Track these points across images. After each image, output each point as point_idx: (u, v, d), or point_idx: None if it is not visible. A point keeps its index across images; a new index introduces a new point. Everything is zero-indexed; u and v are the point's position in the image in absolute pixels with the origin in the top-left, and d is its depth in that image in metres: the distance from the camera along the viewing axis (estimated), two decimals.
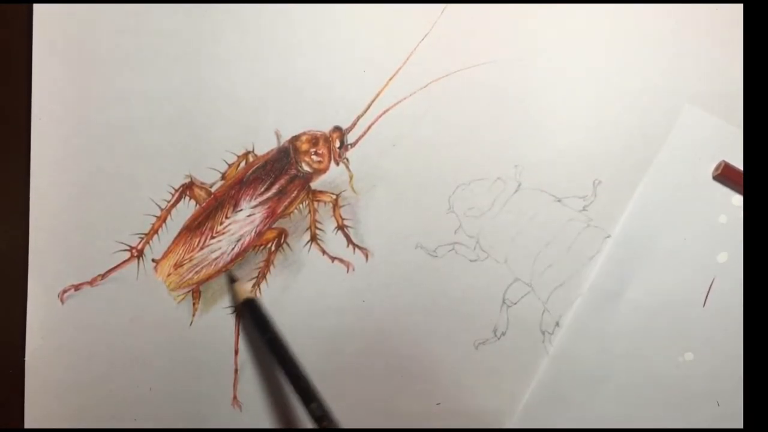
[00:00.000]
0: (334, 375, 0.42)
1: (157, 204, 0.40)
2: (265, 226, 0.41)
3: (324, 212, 0.41)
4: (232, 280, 0.40)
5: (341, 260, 0.41)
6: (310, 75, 0.40)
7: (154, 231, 0.40)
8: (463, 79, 0.40)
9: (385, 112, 0.40)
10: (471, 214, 0.41)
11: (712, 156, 0.41)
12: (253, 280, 0.41)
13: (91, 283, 0.40)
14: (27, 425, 0.40)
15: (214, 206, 0.41)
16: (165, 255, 0.40)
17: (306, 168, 0.41)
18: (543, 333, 0.42)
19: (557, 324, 0.42)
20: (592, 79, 0.41)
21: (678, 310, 0.42)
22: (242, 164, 0.40)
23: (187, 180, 0.40)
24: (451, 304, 0.42)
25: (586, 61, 0.41)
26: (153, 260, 0.40)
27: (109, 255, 0.40)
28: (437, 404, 0.42)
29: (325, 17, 0.40)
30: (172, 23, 0.39)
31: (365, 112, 0.40)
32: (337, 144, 0.40)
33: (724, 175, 0.41)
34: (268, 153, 0.40)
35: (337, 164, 0.41)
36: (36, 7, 0.38)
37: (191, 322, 0.41)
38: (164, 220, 0.40)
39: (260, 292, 0.41)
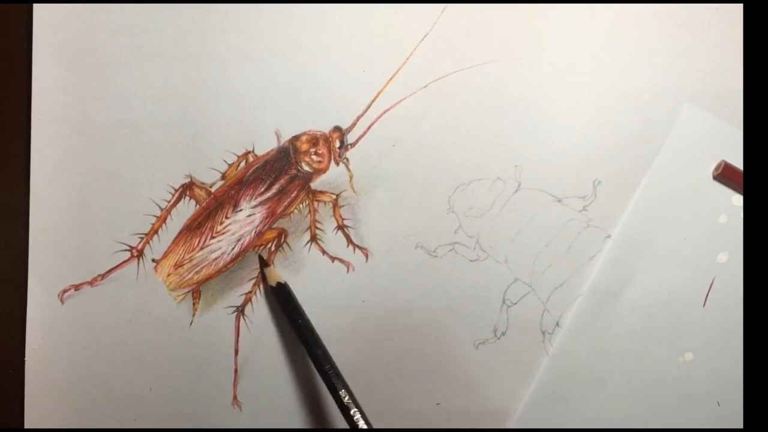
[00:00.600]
0: None
1: (157, 204, 0.40)
2: (265, 226, 0.41)
3: (324, 212, 0.41)
4: (265, 264, 0.40)
5: (341, 260, 0.41)
6: (310, 75, 0.40)
7: (154, 231, 0.40)
8: (464, 79, 0.40)
9: (385, 112, 0.40)
10: (471, 214, 0.41)
11: (712, 156, 0.41)
12: (253, 280, 0.41)
13: (91, 283, 0.40)
14: (27, 425, 0.40)
15: (214, 206, 0.41)
16: (165, 255, 0.40)
17: (306, 168, 0.41)
18: (543, 333, 0.42)
19: (557, 324, 0.42)
20: (592, 79, 0.41)
21: (678, 310, 0.42)
22: (242, 164, 0.40)
23: (187, 180, 0.40)
24: (451, 304, 0.42)
25: (586, 61, 0.41)
26: (153, 260, 0.40)
27: (109, 255, 0.40)
28: (437, 404, 0.42)
29: (325, 17, 0.40)
30: (172, 23, 0.39)
31: (365, 112, 0.40)
32: (337, 144, 0.40)
33: (724, 174, 0.41)
34: (268, 153, 0.40)
35: (337, 164, 0.41)
36: (36, 7, 0.38)
37: (191, 322, 0.41)
38: (164, 220, 0.40)
39: (260, 292, 0.41)
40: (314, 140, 0.40)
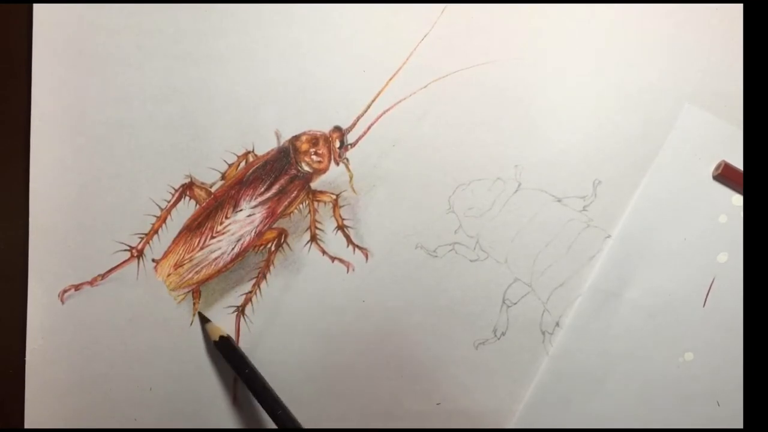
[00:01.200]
0: (334, 375, 0.42)
1: (157, 204, 0.40)
2: (265, 226, 0.41)
3: (324, 212, 0.41)
4: (204, 321, 0.40)
5: (341, 260, 0.41)
6: (310, 75, 0.40)
7: (154, 231, 0.40)
8: (463, 79, 0.40)
9: (385, 112, 0.40)
10: (471, 214, 0.41)
11: (712, 156, 0.41)
12: (253, 280, 0.41)
13: (91, 283, 0.40)
14: (27, 425, 0.40)
15: (214, 206, 0.41)
16: (165, 255, 0.40)
17: (306, 168, 0.41)
18: (543, 333, 0.42)
19: (557, 324, 0.42)
20: (592, 79, 0.41)
21: (678, 310, 0.42)
22: (242, 164, 0.40)
23: (187, 180, 0.40)
24: (451, 304, 0.42)
25: (586, 61, 0.41)
26: (153, 260, 0.40)
27: (109, 255, 0.40)
28: (437, 404, 0.42)
29: (324, 17, 0.40)
30: (172, 23, 0.39)
31: (365, 112, 0.40)
32: (337, 144, 0.40)
33: (724, 175, 0.41)
34: (268, 153, 0.40)
35: (337, 164, 0.41)
36: (36, 7, 0.38)
37: (191, 322, 0.41)
38: (164, 220, 0.40)
39: (260, 292, 0.41)
40: (314, 140, 0.40)
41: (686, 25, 0.41)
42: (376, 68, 0.40)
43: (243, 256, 0.41)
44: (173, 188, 0.40)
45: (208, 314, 0.41)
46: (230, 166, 0.40)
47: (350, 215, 0.41)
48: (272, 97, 0.40)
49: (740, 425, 0.43)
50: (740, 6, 0.41)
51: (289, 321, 0.41)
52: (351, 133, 0.40)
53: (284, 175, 0.41)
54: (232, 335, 0.41)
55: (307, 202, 0.41)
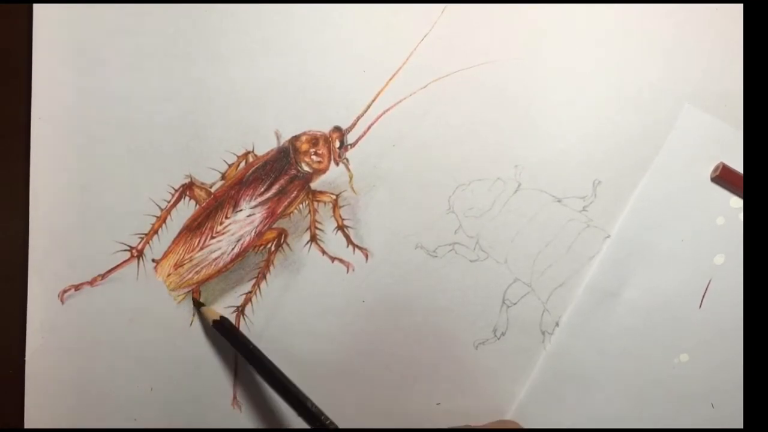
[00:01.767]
0: (334, 375, 0.42)
1: (157, 204, 0.40)
2: (265, 226, 0.41)
3: (324, 212, 0.41)
4: (199, 305, 0.40)
5: (341, 260, 0.41)
6: (310, 75, 0.40)
7: (154, 231, 0.40)
8: (463, 79, 0.40)
9: (385, 112, 0.40)
10: (471, 214, 0.41)
11: (711, 158, 0.41)
12: (253, 280, 0.41)
13: (91, 283, 0.40)
14: (27, 425, 0.40)
15: (214, 206, 0.41)
16: (165, 255, 0.40)
17: (306, 168, 0.41)
18: (543, 333, 0.42)
19: (557, 324, 0.42)
20: (592, 79, 0.41)
21: (674, 312, 0.42)
22: (242, 164, 0.40)
23: (187, 180, 0.40)
24: (451, 304, 0.42)
25: (586, 61, 0.41)
26: (153, 260, 0.40)
27: (109, 255, 0.40)
28: (437, 404, 0.42)
29: (324, 17, 0.40)
30: (172, 23, 0.39)
31: (365, 112, 0.40)
32: (337, 144, 0.40)
33: (722, 177, 0.41)
34: (268, 153, 0.40)
35: (337, 164, 0.41)
36: (36, 7, 0.38)
37: (191, 322, 0.41)
38: (164, 220, 0.40)
39: (260, 292, 0.41)
40: (314, 140, 0.40)
41: (686, 25, 0.41)
42: (376, 68, 0.40)
43: (243, 256, 0.41)
44: (173, 188, 0.40)
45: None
46: (230, 166, 0.40)
47: (350, 215, 0.41)
48: (272, 97, 0.40)
49: (735, 426, 0.43)
50: (740, 6, 0.41)
51: (289, 321, 0.41)
52: (351, 133, 0.40)
53: (284, 175, 0.41)
54: None
55: (307, 202, 0.41)
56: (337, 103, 0.40)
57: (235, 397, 0.41)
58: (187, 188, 0.40)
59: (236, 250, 0.41)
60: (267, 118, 0.40)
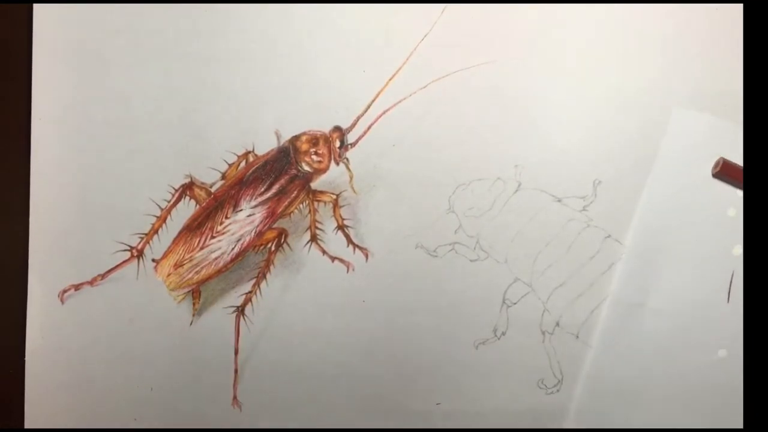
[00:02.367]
0: (334, 375, 0.42)
1: (157, 204, 0.40)
2: (265, 226, 0.41)
3: (324, 212, 0.41)
4: None
5: (341, 260, 0.41)
6: (310, 75, 0.40)
7: (154, 231, 0.40)
8: (463, 79, 0.40)
9: (385, 112, 0.40)
10: (471, 214, 0.41)
11: (710, 155, 0.41)
12: (253, 280, 0.41)
13: (91, 283, 0.40)
14: (27, 425, 0.40)
15: (214, 206, 0.41)
16: (165, 255, 0.40)
17: (306, 168, 0.41)
18: (543, 333, 0.42)
19: (557, 324, 0.42)
20: (592, 79, 0.41)
21: (703, 310, 0.42)
22: (242, 164, 0.40)
23: (187, 180, 0.40)
24: (451, 304, 0.42)
25: (586, 61, 0.41)
26: (153, 260, 0.40)
27: (109, 255, 0.40)
28: (437, 404, 0.42)
29: (324, 17, 0.40)
30: (172, 23, 0.39)
31: (365, 112, 0.40)
32: (337, 144, 0.40)
33: (723, 172, 0.41)
34: (268, 153, 0.40)
35: (337, 164, 0.41)
36: (36, 7, 0.38)
37: (191, 322, 0.41)
38: (164, 220, 0.40)
39: (260, 292, 0.41)
40: (314, 140, 0.40)
41: (686, 25, 0.41)
42: (376, 68, 0.40)
43: (243, 256, 0.41)
44: (173, 188, 0.40)
45: (208, 314, 0.41)
46: (230, 166, 0.40)
47: (350, 215, 0.41)
48: (272, 97, 0.40)
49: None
50: (740, 6, 0.41)
51: (289, 321, 0.41)
52: (351, 133, 0.40)
53: (284, 175, 0.41)
54: (232, 336, 0.41)
55: (307, 202, 0.41)
56: (337, 103, 0.40)
57: (235, 397, 0.41)
58: (187, 188, 0.40)
59: (236, 250, 0.41)
60: (267, 118, 0.40)
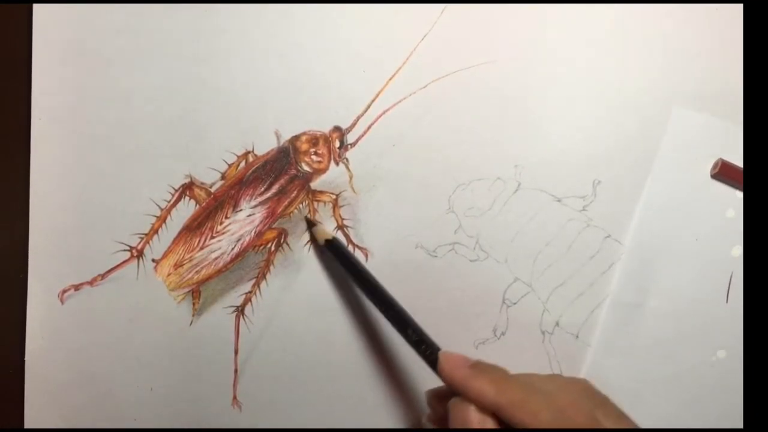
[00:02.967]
0: (334, 375, 0.42)
1: (157, 204, 0.40)
2: (265, 226, 0.41)
3: (324, 212, 0.41)
4: (311, 225, 0.40)
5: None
6: (310, 75, 0.40)
7: (154, 231, 0.40)
8: (463, 79, 0.40)
9: (385, 112, 0.40)
10: (471, 214, 0.41)
11: (709, 156, 0.41)
12: (253, 280, 0.41)
13: (91, 283, 0.40)
14: (27, 425, 0.40)
15: (214, 206, 0.41)
16: (165, 255, 0.40)
17: (306, 168, 0.41)
18: (543, 333, 0.42)
19: (557, 324, 0.42)
20: (592, 79, 0.41)
21: (702, 310, 0.42)
22: (242, 164, 0.40)
23: (187, 180, 0.40)
24: (451, 304, 0.42)
25: (586, 61, 0.41)
26: (153, 260, 0.40)
27: (109, 255, 0.40)
28: None
29: (324, 17, 0.40)
30: (172, 23, 0.39)
31: (365, 112, 0.40)
32: (337, 144, 0.40)
33: (722, 173, 0.41)
34: (268, 153, 0.40)
35: (337, 164, 0.41)
36: (36, 7, 0.38)
37: (191, 322, 0.41)
38: (164, 220, 0.40)
39: (260, 292, 0.41)
40: (314, 140, 0.40)
41: (686, 25, 0.41)
42: (376, 68, 0.40)
43: (243, 256, 0.41)
44: (173, 188, 0.40)
45: (207, 314, 0.41)
46: (230, 166, 0.40)
47: (350, 215, 0.41)
48: (272, 97, 0.40)
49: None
50: (740, 6, 0.41)
51: (288, 321, 0.41)
52: (351, 133, 0.40)
53: (284, 175, 0.41)
54: (232, 336, 0.41)
55: (307, 202, 0.41)
56: (337, 103, 0.40)
57: (235, 397, 0.41)
58: (187, 188, 0.40)
59: (236, 250, 0.41)
60: (267, 118, 0.40)
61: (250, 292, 0.41)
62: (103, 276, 0.40)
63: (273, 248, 0.41)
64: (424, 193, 0.41)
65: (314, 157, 0.40)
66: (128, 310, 0.40)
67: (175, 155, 0.40)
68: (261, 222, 0.41)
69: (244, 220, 0.41)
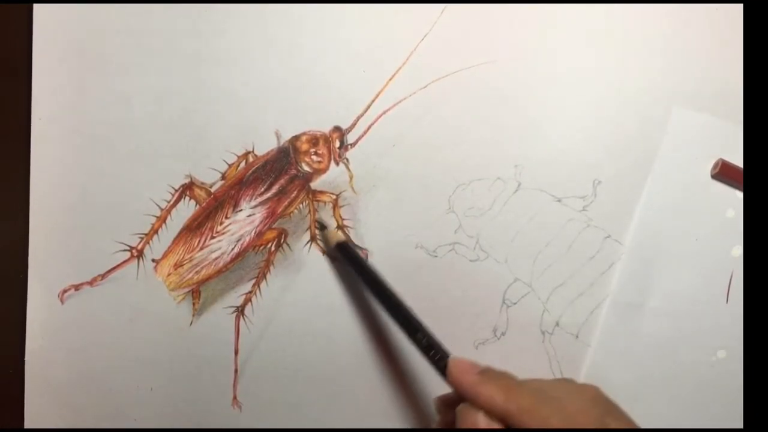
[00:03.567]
0: (334, 375, 0.42)
1: (157, 204, 0.40)
2: (265, 226, 0.41)
3: (324, 212, 0.41)
4: (322, 227, 0.40)
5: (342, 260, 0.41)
6: (310, 75, 0.40)
7: (154, 231, 0.40)
8: (463, 79, 0.40)
9: (385, 113, 0.40)
10: (471, 214, 0.41)
11: (709, 156, 0.41)
12: (253, 280, 0.41)
13: (91, 283, 0.40)
14: (27, 425, 0.40)
15: (214, 206, 0.41)
16: (165, 255, 0.40)
17: (306, 168, 0.41)
18: (543, 333, 0.42)
19: (557, 324, 0.42)
20: (592, 79, 0.41)
21: (702, 310, 0.42)
22: (242, 164, 0.40)
23: (187, 180, 0.40)
24: (451, 304, 0.42)
25: (586, 61, 0.41)
26: (153, 260, 0.40)
27: (109, 255, 0.40)
28: None
29: (325, 17, 0.40)
30: (172, 23, 0.39)
31: (365, 112, 0.40)
32: (337, 144, 0.40)
33: (722, 173, 0.41)
34: (268, 153, 0.40)
35: (337, 164, 0.41)
36: (36, 7, 0.38)
37: (191, 322, 0.41)
38: (164, 220, 0.40)
39: (260, 292, 0.41)
40: (314, 140, 0.40)
41: (686, 25, 0.41)
42: (376, 68, 0.40)
43: (243, 256, 0.41)
44: (173, 188, 0.40)
45: (207, 314, 0.41)
46: (230, 166, 0.40)
47: (350, 215, 0.41)
48: (272, 97, 0.40)
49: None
50: (740, 6, 0.41)
51: (288, 321, 0.41)
52: (351, 133, 0.40)
53: (284, 175, 0.41)
54: (231, 336, 0.41)
55: (307, 202, 0.41)
56: (337, 103, 0.40)
57: (235, 397, 0.41)
58: (187, 188, 0.40)
59: (236, 250, 0.41)
60: (267, 118, 0.40)
61: (250, 292, 0.41)
62: (103, 276, 0.40)
63: (273, 248, 0.41)
64: (424, 193, 0.41)
65: (314, 157, 0.40)
66: (128, 310, 0.40)
67: (175, 155, 0.40)
68: (261, 222, 0.41)
69: (244, 220, 0.41)
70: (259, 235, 0.41)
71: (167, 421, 0.41)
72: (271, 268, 0.41)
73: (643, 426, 0.33)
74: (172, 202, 0.40)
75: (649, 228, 0.41)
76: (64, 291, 0.40)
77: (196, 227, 0.41)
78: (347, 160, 0.41)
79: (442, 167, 0.41)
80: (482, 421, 0.30)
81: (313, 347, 0.41)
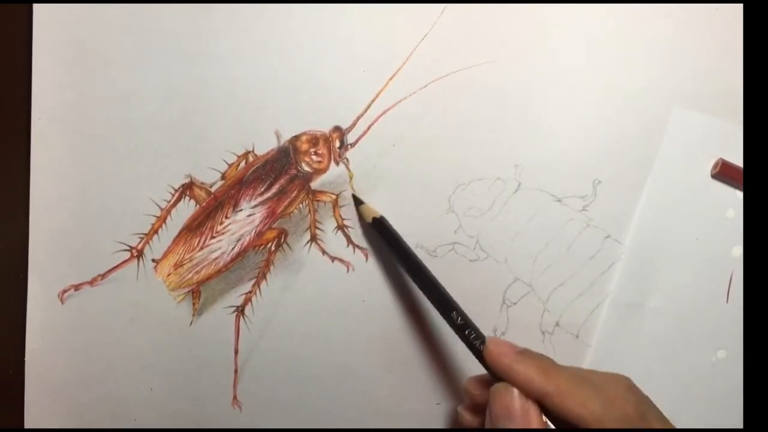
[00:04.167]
0: (334, 375, 0.42)
1: (157, 204, 0.40)
2: (265, 226, 0.41)
3: (324, 212, 0.41)
4: (359, 202, 0.40)
5: (341, 260, 0.41)
6: (310, 75, 0.40)
7: (154, 231, 0.40)
8: (463, 79, 0.40)
9: (384, 112, 0.40)
10: (471, 214, 0.41)
11: (709, 154, 0.41)
12: (253, 280, 0.41)
13: (91, 283, 0.40)
14: (27, 425, 0.40)
15: (214, 206, 0.41)
16: (165, 255, 0.40)
17: (306, 168, 0.41)
18: (543, 333, 0.42)
19: (557, 324, 0.42)
20: (592, 79, 0.41)
21: (702, 311, 0.42)
22: (242, 164, 0.40)
23: (187, 180, 0.40)
24: None
25: (586, 61, 0.41)
26: (153, 260, 0.40)
27: (109, 255, 0.40)
28: (437, 404, 0.42)
29: (324, 17, 0.40)
30: (172, 23, 0.39)
31: (365, 112, 0.40)
32: (337, 144, 0.40)
33: (722, 173, 0.41)
34: (268, 153, 0.40)
35: (337, 164, 0.41)
36: (36, 7, 0.38)
37: (191, 322, 0.41)
38: (164, 220, 0.40)
39: (260, 292, 0.41)
40: (314, 140, 0.40)
41: (686, 25, 0.41)
42: (376, 68, 0.40)
43: (243, 256, 0.41)
44: (173, 188, 0.40)
45: (207, 314, 0.41)
46: (230, 166, 0.40)
47: (350, 215, 0.41)
48: (272, 97, 0.40)
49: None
50: (740, 6, 0.41)
51: (288, 321, 0.41)
52: (351, 133, 0.40)
53: (284, 175, 0.41)
54: (231, 336, 0.41)
55: (307, 202, 0.41)
56: (337, 103, 0.40)
57: (235, 397, 0.41)
58: (187, 188, 0.40)
59: (236, 250, 0.41)
60: (267, 118, 0.40)
61: (250, 292, 0.41)
62: (103, 276, 0.40)
63: (273, 248, 0.41)
64: (424, 193, 0.41)
65: (314, 157, 0.40)
66: (128, 310, 0.40)
67: (175, 155, 0.40)
68: (261, 222, 0.41)
69: (244, 220, 0.41)
70: (259, 234, 0.41)
71: (167, 421, 0.41)
72: (271, 268, 0.41)
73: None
74: (172, 202, 0.40)
75: (649, 228, 0.41)
76: (64, 291, 0.40)
77: (196, 227, 0.41)
78: (347, 160, 0.41)
79: (442, 167, 0.41)
80: (517, 400, 0.30)
81: (313, 347, 0.41)
